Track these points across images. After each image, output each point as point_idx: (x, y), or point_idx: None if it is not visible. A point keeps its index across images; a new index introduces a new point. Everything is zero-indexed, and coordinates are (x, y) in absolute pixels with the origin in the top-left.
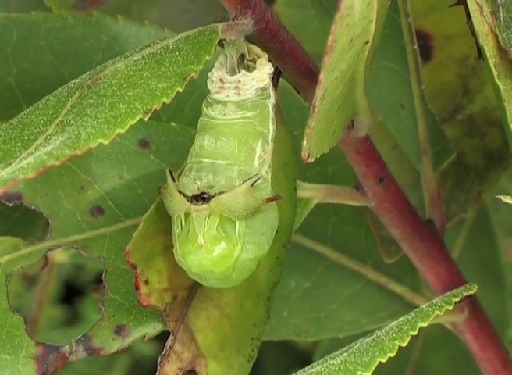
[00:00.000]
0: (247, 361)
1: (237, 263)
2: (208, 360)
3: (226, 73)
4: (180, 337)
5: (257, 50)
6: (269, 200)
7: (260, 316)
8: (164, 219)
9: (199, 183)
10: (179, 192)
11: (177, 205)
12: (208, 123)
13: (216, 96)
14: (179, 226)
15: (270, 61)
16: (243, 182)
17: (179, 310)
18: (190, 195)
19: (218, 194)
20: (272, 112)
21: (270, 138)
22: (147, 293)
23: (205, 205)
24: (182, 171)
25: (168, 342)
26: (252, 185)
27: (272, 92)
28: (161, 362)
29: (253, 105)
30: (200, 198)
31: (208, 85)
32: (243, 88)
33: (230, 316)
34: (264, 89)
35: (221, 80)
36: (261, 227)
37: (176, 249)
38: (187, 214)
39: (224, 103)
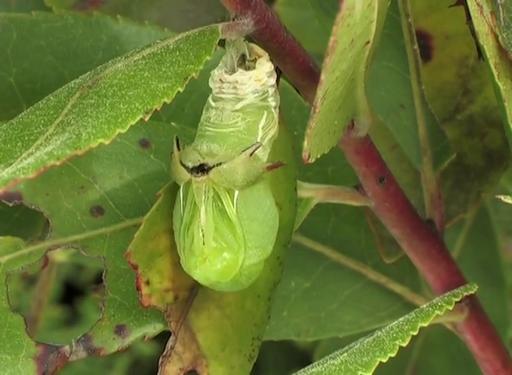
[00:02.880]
0: (247, 361)
1: (243, 269)
2: (209, 360)
3: (226, 72)
4: (181, 337)
5: (258, 50)
6: (269, 168)
7: (261, 316)
8: (165, 220)
9: (200, 151)
10: (181, 163)
11: (179, 175)
12: (207, 128)
13: (216, 97)
14: (183, 238)
15: (271, 60)
16: (242, 151)
17: (180, 310)
18: (190, 167)
19: (217, 165)
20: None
21: (275, 111)
22: (148, 293)
23: (205, 177)
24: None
25: (170, 342)
26: (251, 154)
27: (273, 95)
28: (162, 363)
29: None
30: (200, 169)
31: (210, 84)
32: (241, 88)
33: (231, 316)
34: (264, 91)
35: (220, 79)
36: (261, 230)
37: (183, 262)
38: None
39: (225, 101)
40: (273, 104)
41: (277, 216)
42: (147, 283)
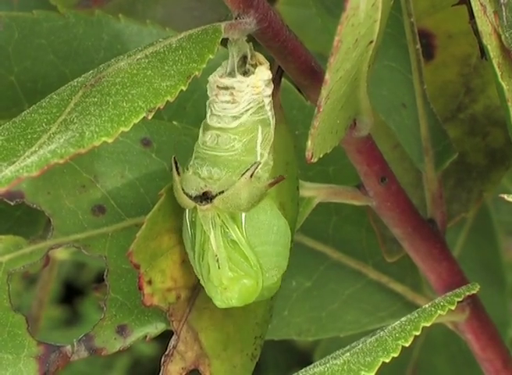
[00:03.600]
0: (249, 360)
1: (263, 290)
2: (211, 359)
3: (223, 76)
4: (184, 336)
5: (260, 57)
6: (271, 184)
7: (262, 315)
8: (167, 219)
9: (201, 175)
10: (183, 191)
11: (183, 202)
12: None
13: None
14: (199, 265)
15: (271, 69)
16: (242, 175)
17: (183, 310)
18: (193, 196)
19: (220, 193)
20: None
21: (271, 123)
22: (150, 293)
23: (209, 205)
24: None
25: (172, 342)
26: (251, 175)
27: (269, 105)
28: (164, 362)
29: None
30: (204, 198)
31: (208, 92)
32: (237, 95)
33: (233, 315)
34: (259, 101)
35: (217, 86)
36: (274, 250)
37: (205, 289)
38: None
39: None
40: (269, 114)
41: (287, 228)
42: (149, 282)
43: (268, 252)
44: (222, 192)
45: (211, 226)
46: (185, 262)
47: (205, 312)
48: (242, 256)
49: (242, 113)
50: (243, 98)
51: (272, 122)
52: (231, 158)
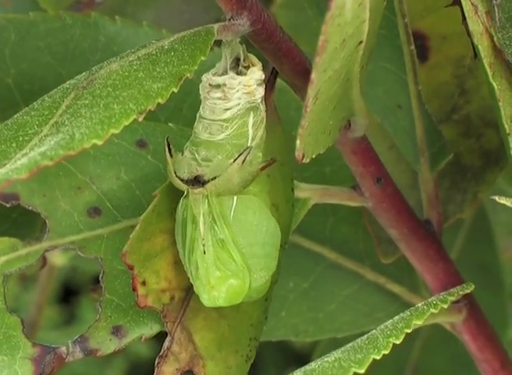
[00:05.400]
0: (244, 361)
1: (251, 291)
2: (206, 361)
3: (215, 74)
4: (178, 337)
5: (253, 59)
6: (263, 168)
7: (257, 317)
8: (161, 220)
9: (193, 158)
10: (176, 174)
11: (176, 184)
12: (199, 137)
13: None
14: (189, 263)
15: (265, 70)
16: (234, 161)
17: (177, 311)
18: (185, 179)
19: (212, 179)
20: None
21: (262, 108)
22: (144, 294)
23: (201, 189)
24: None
25: (166, 343)
26: (243, 161)
27: (260, 99)
28: (158, 363)
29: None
30: (195, 181)
31: (200, 90)
32: (228, 92)
33: (228, 316)
34: (252, 105)
35: (209, 84)
36: (263, 251)
37: (194, 287)
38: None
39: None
40: (259, 101)
41: (277, 229)
42: (144, 283)
43: (256, 253)
44: (215, 178)
45: (201, 209)
46: (179, 263)
47: (200, 313)
48: (230, 256)
49: (233, 106)
50: (235, 95)
51: (262, 107)
52: (224, 142)
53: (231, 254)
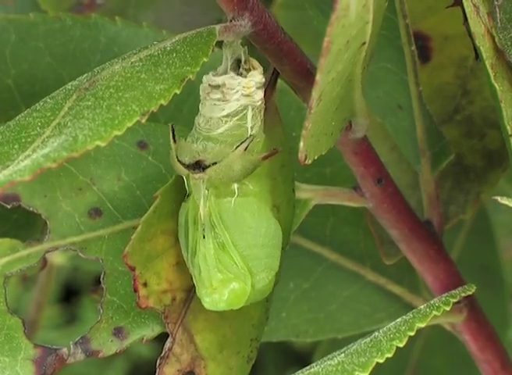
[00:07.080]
0: (245, 362)
1: (255, 292)
2: (207, 362)
3: (215, 75)
4: (179, 339)
5: (254, 62)
6: (265, 158)
7: (259, 318)
8: (162, 221)
9: (196, 148)
10: (177, 159)
11: (177, 169)
12: (199, 131)
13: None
14: (192, 265)
15: (266, 72)
16: (236, 148)
17: (178, 312)
18: (187, 163)
19: (213, 164)
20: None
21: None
22: (145, 295)
23: (202, 173)
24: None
25: (167, 344)
26: (246, 149)
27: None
28: (160, 364)
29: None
30: (197, 166)
31: (200, 91)
32: (228, 93)
33: (229, 317)
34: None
35: (209, 84)
36: (264, 252)
37: (196, 289)
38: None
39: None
40: (258, 103)
41: (278, 229)
42: (145, 284)
43: (257, 255)
44: (215, 163)
45: (201, 195)
46: (180, 264)
47: (201, 314)
48: (230, 259)
49: (231, 107)
50: (234, 97)
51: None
52: (224, 133)
53: (232, 256)
